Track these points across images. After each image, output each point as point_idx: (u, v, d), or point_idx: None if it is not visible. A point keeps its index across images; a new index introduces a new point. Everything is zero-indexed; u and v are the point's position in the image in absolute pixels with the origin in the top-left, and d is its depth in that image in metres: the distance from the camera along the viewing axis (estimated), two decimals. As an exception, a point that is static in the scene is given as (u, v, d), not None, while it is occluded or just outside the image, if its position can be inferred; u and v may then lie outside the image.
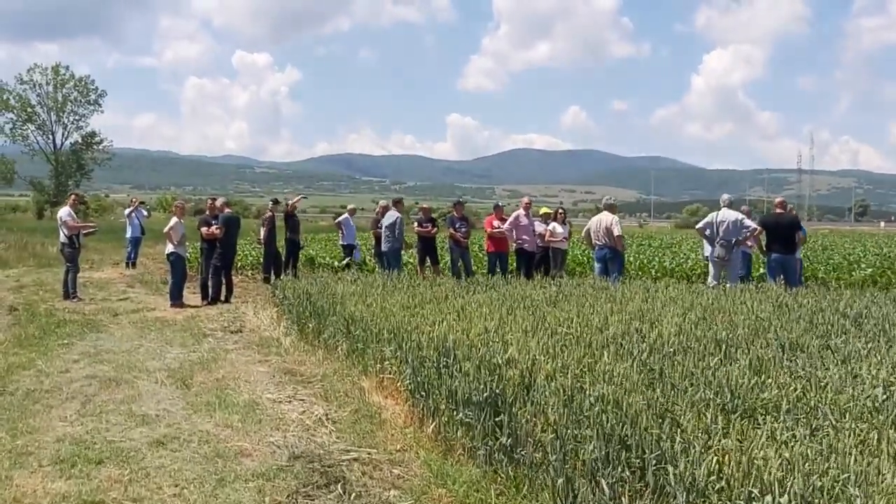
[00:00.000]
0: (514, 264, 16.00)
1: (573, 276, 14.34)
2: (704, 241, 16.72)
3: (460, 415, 5.14)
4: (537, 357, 5.39)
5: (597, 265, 13.53)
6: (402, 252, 16.46)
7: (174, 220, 13.93)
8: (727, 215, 12.75)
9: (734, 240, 12.61)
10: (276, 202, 18.23)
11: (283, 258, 17.50)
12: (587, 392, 4.52)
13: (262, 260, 18.26)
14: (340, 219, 18.24)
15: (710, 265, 13.19)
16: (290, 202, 17.86)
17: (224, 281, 14.33)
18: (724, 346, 5.88)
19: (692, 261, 22.20)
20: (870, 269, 18.38)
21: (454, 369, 5.49)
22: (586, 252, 22.77)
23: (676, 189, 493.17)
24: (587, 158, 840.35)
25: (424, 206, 18.00)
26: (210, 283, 14.10)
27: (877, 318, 7.54)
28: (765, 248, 13.00)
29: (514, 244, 15.46)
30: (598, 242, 13.30)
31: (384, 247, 15.59)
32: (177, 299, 13.62)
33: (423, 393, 5.79)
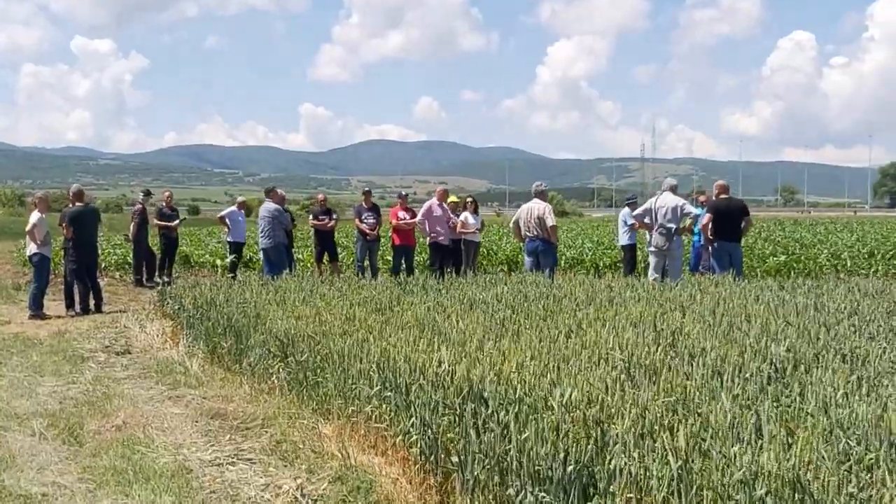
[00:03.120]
0: (427, 259, 14.57)
1: (507, 273, 12.97)
2: (620, 230, 15.86)
3: (528, 498, 3.53)
4: (608, 401, 3.90)
5: (527, 259, 12.18)
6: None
7: (36, 215, 11.61)
8: (667, 200, 11.68)
9: (675, 228, 11.57)
10: (147, 193, 15.97)
11: (159, 257, 15.32)
12: (736, 461, 3.08)
13: (130, 259, 15.98)
14: (225, 212, 16.07)
15: (650, 256, 12.11)
16: (165, 194, 15.69)
17: (90, 286, 12.02)
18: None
19: (590, 250, 21.44)
20: (783, 257, 18.09)
21: (493, 421, 3.91)
22: (511, 244, 21.63)
23: (525, 178, 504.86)
24: (440, 149, 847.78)
25: (320, 196, 16.20)
26: (77, 289, 11.76)
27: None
28: (711, 236, 11.97)
29: (428, 237, 13.98)
30: (528, 234, 11.94)
31: (260, 244, 13.60)
32: (37, 309, 11.30)
33: (443, 455, 4.15)
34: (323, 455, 4.85)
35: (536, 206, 11.89)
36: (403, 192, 15.23)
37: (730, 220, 11.82)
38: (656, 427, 3.61)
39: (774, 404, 3.91)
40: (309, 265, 16.64)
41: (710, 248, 12.02)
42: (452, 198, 15.49)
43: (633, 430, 3.62)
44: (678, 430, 3.44)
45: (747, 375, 4.60)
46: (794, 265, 17.51)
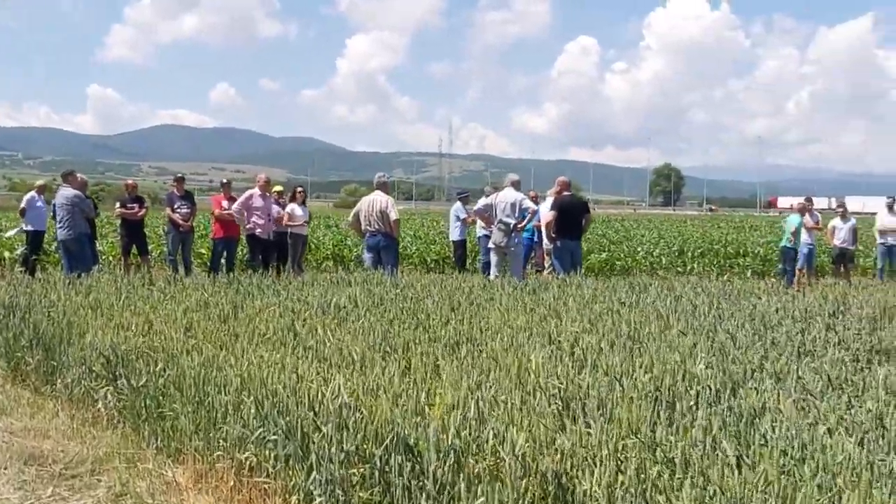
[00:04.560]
0: (247, 253, 13.37)
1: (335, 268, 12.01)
2: (451, 224, 15.36)
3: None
4: (566, 445, 3.18)
5: (367, 254, 11.32)
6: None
7: None
8: (507, 196, 11.22)
9: (513, 224, 11.14)
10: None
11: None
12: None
13: None
14: (27, 197, 13.85)
15: (492, 254, 11.61)
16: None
17: None
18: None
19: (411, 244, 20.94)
20: (604, 254, 18.33)
21: (429, 481, 3.06)
22: (335, 238, 20.49)
23: (324, 169, 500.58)
24: (237, 137, 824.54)
25: (129, 181, 14.46)
26: None
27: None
28: (553, 234, 11.62)
29: (246, 229, 12.79)
30: (369, 228, 11.08)
31: (58, 235, 11.88)
32: None
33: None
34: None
35: (378, 199, 11.06)
36: (225, 180, 13.92)
37: (572, 217, 11.56)
38: (642, 477, 2.94)
39: (763, 444, 3.35)
40: (112, 258, 14.92)
41: (553, 245, 11.71)
42: (277, 187, 14.40)
43: (610, 485, 2.93)
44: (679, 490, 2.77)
45: (691, 404, 4.05)
46: (615, 263, 17.79)
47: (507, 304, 7.68)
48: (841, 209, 16.31)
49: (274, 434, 3.71)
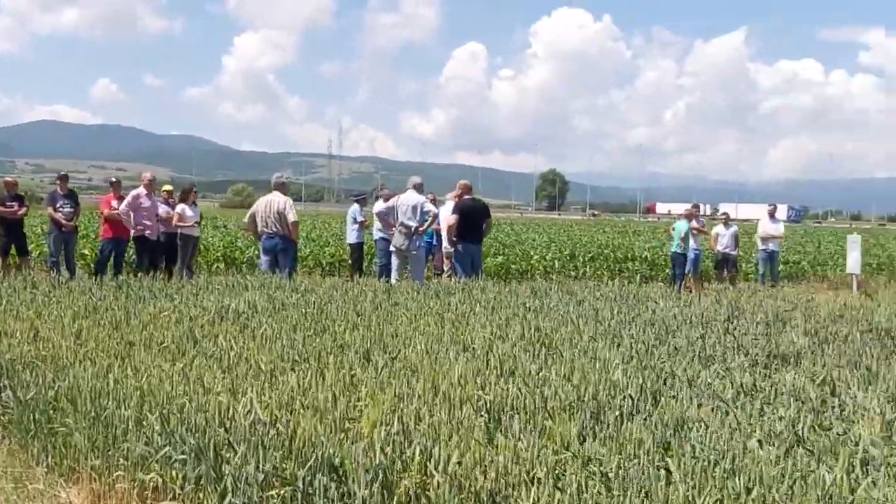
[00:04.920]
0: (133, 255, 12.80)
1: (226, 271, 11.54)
2: (348, 227, 15.06)
3: None
4: (498, 461, 3.03)
5: (263, 258, 10.95)
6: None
7: None
8: (409, 199, 11.10)
9: (415, 227, 11.02)
10: None
11: None
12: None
13: None
14: None
15: (393, 257, 11.43)
16: None
17: None
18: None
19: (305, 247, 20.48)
20: (500, 258, 18.39)
21: (351, 499, 2.86)
22: (225, 239, 19.75)
23: (210, 168, 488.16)
24: (119, 134, 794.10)
25: (8, 178, 13.57)
26: None
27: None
28: (455, 238, 11.51)
29: (133, 230, 12.22)
30: (266, 230, 10.71)
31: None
32: None
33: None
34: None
35: (276, 200, 10.71)
36: (115, 179, 13.26)
37: (473, 221, 11.50)
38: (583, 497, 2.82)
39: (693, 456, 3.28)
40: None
41: (455, 249, 11.62)
42: (167, 186, 13.84)
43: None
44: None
45: (617, 414, 3.98)
46: (511, 267, 17.88)
47: (414, 309, 7.53)
48: (724, 216, 16.91)
49: (182, 453, 3.43)
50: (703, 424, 3.91)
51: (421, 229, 11.08)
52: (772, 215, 17.21)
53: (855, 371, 5.59)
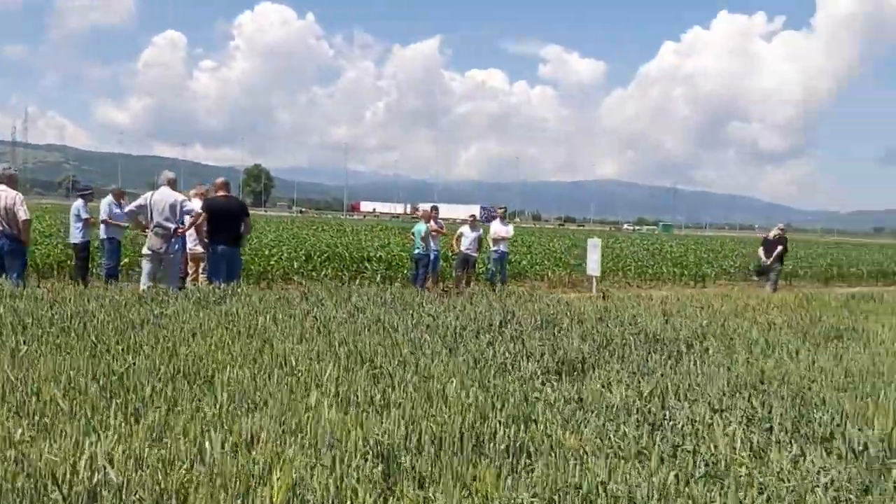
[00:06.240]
0: None
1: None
2: (72, 225, 13.50)
3: None
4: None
5: (-16, 261, 9.43)
6: None
7: None
8: (165, 196, 10.15)
9: (174, 228, 10.13)
10: None
11: None
12: None
13: None
14: None
15: (144, 261, 10.36)
16: None
17: None
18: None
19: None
20: (332, 265, 17.66)
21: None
22: None
23: None
24: None
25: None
26: None
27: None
28: (207, 239, 10.65)
29: None
30: (-2, 228, 9.23)
31: None
32: None
33: None
34: None
35: (4, 195, 9.27)
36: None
37: (229, 221, 10.73)
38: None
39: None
40: None
41: (208, 251, 10.79)
42: None
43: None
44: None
45: (492, 451, 3.75)
46: (250, 268, 17.10)
47: (194, 321, 6.84)
48: (471, 218, 17.40)
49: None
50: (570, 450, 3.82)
51: (181, 230, 10.17)
52: (503, 218, 18.00)
53: (647, 377, 5.81)
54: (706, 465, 3.64)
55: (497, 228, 17.26)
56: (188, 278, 11.91)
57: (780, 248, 18.27)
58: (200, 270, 11.62)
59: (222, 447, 3.13)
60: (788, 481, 3.38)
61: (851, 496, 3.20)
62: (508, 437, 3.75)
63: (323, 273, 17.58)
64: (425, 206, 18.67)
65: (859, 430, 4.14)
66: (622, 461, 3.64)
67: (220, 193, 10.91)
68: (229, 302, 8.37)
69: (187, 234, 10.94)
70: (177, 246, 10.27)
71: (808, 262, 31.96)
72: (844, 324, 9.43)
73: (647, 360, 6.61)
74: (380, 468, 3.10)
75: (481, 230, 17.20)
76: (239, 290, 9.30)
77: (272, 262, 17.65)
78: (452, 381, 4.97)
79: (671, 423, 4.51)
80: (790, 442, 4.14)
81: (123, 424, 3.52)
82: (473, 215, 17.78)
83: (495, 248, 17.16)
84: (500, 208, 18.86)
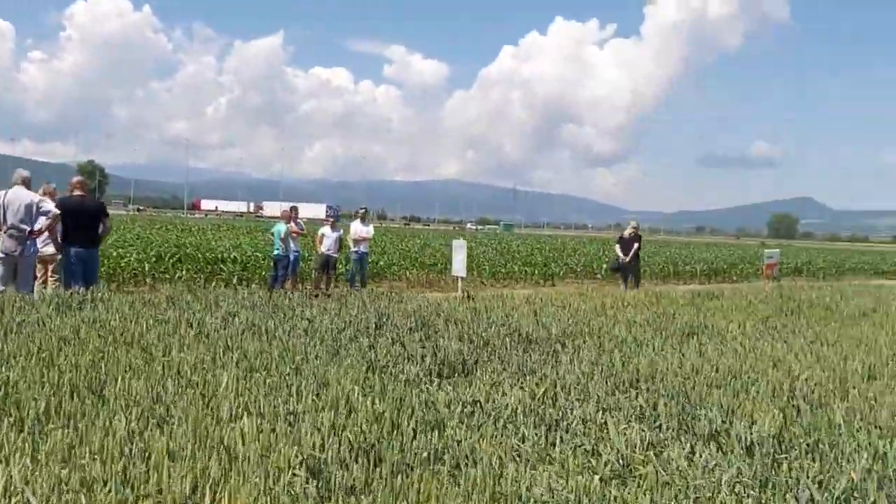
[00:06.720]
0: None
1: None
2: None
3: None
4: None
5: None
6: None
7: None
8: (19, 196, 9.56)
9: (29, 230, 9.56)
10: None
11: None
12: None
13: None
14: None
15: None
16: None
17: None
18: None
19: None
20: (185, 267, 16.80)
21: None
22: None
23: None
24: None
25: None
26: None
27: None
28: (62, 240, 10.07)
29: None
30: None
31: None
32: None
33: None
34: None
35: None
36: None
37: (85, 221, 10.21)
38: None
39: None
40: None
41: (64, 252, 10.22)
42: None
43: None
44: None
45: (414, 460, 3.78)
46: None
47: (63, 328, 6.49)
48: (332, 219, 17.25)
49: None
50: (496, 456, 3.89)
51: (35, 233, 9.58)
52: (363, 219, 17.97)
53: (530, 377, 5.98)
54: (608, 465, 3.80)
55: (358, 229, 17.21)
56: (37, 281, 11.23)
57: (636, 245, 19.19)
58: (50, 273, 10.99)
59: (146, 466, 3.02)
60: (690, 479, 3.58)
61: (753, 491, 3.44)
62: (427, 444, 3.80)
63: (176, 275, 16.98)
64: (285, 206, 18.35)
65: (749, 427, 4.43)
66: (532, 466, 3.75)
67: (77, 193, 10.36)
68: (91, 307, 7.98)
69: (36, 234, 10.31)
70: (32, 248, 9.67)
71: (645, 260, 33.61)
72: (696, 321, 10.01)
73: (527, 361, 6.76)
74: (313, 485, 3.08)
75: (341, 231, 17.11)
76: (99, 294, 8.90)
77: (122, 264, 16.86)
78: (354, 390, 4.96)
79: (566, 423, 4.66)
80: (678, 438, 4.38)
81: (27, 445, 3.32)
82: (334, 214, 17.67)
83: (355, 249, 17.09)
84: (362, 209, 18.81)
